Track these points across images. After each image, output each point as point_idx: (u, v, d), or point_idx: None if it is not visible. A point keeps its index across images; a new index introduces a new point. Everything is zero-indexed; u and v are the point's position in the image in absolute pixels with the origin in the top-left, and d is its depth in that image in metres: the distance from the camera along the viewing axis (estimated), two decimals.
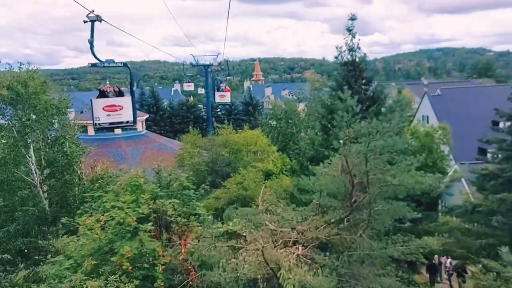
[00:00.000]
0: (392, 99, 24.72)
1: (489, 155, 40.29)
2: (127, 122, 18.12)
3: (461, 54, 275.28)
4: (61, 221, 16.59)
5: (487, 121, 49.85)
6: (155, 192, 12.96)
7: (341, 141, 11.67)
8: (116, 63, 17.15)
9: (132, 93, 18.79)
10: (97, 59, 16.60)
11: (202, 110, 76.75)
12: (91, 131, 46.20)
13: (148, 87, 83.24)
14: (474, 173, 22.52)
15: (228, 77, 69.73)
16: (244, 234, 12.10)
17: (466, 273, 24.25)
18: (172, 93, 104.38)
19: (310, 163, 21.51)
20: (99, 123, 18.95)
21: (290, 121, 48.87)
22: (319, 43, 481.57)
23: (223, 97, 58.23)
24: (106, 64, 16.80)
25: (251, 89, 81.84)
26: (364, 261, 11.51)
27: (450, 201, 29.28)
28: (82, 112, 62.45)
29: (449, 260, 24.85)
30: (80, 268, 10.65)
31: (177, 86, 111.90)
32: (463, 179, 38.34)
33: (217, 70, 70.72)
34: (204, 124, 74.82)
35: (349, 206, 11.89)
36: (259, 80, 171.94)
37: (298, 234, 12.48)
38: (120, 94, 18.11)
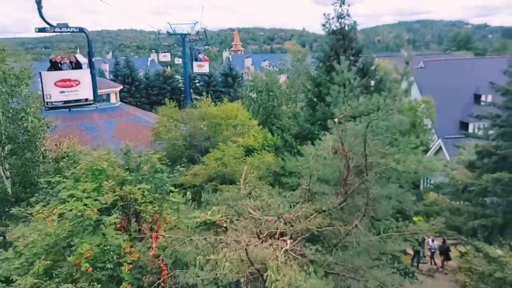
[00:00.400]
0: (383, 72, 23.20)
1: (472, 130, 39.63)
2: (86, 100, 14.00)
3: (439, 26, 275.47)
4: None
5: (469, 95, 49.28)
6: (122, 177, 11.26)
7: (335, 120, 10.14)
8: (70, 27, 14.68)
9: (91, 65, 15.54)
10: (46, 22, 14.41)
11: (180, 81, 74.14)
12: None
13: (123, 57, 79.68)
14: (463, 149, 21.48)
15: (206, 47, 66.89)
16: (224, 225, 10.60)
17: (449, 251, 23.62)
18: (148, 63, 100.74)
19: (295, 140, 20.05)
20: (51, 102, 16.04)
21: (271, 93, 47.13)
22: (300, 13, 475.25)
23: (202, 67, 56.16)
24: (57, 29, 14.59)
25: (231, 60, 79.31)
26: (359, 254, 10.18)
27: (434, 178, 28.35)
28: None
29: (431, 238, 24.12)
30: (32, 268, 9.03)
31: (153, 56, 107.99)
32: (446, 154, 37.67)
33: (195, 40, 67.77)
34: (182, 96, 72.33)
35: (343, 193, 10.46)
36: (239, 50, 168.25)
37: (286, 224, 11.05)
38: (77, 66, 15.35)
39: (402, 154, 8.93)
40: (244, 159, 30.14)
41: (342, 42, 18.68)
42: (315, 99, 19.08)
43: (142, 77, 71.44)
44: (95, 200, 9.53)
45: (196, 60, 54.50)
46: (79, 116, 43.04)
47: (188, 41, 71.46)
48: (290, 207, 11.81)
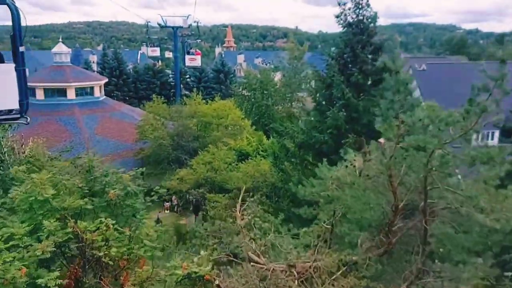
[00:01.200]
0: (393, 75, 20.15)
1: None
2: (8, 112, 7.38)
3: (431, 30, 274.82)
4: None
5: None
6: (79, 206, 8.08)
7: (381, 140, 7.11)
8: None
9: (17, 55, 7.51)
10: None
11: (170, 76, 70.63)
12: (40, 94, 40.05)
13: (112, 49, 75.74)
14: None
15: (198, 41, 63.64)
16: (216, 282, 7.49)
17: None
18: (138, 56, 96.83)
19: (299, 149, 16.97)
20: None
21: (265, 92, 44.09)
22: (291, 11, 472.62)
23: (194, 61, 53.65)
24: None
25: (223, 55, 75.93)
26: None
27: None
28: (36, 70, 55.45)
29: None
30: None
31: (144, 48, 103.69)
32: None
33: (187, 34, 64.62)
34: (172, 91, 68.83)
35: (385, 243, 7.41)
36: (231, 47, 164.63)
37: (300, 277, 7.97)
38: None
39: (488, 197, 5.92)
40: (237, 164, 27.05)
41: (359, 37, 15.66)
42: (324, 103, 16.04)
43: (130, 71, 67.78)
44: (27, 251, 6.36)
45: (188, 53, 52.37)
46: (59, 110, 39.58)
47: (180, 35, 68.17)
48: (305, 250, 8.76)
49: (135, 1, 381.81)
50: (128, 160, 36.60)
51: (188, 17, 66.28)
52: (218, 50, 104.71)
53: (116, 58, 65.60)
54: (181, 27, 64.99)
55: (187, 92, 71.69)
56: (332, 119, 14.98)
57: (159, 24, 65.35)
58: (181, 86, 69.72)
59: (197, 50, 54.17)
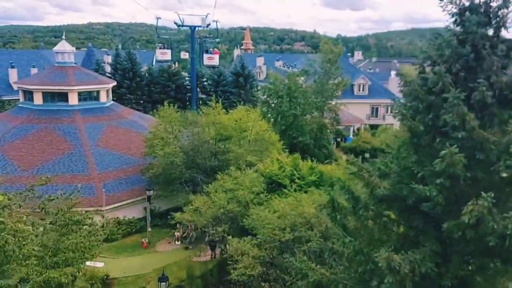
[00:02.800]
0: None
1: None
2: None
3: None
4: None
5: None
6: None
7: None
8: None
9: None
10: None
11: (186, 78, 64.92)
12: (38, 99, 34.56)
13: (125, 49, 70.21)
14: None
15: (217, 40, 58.32)
16: None
17: None
18: (154, 58, 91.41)
19: (380, 204, 10.90)
20: None
21: (293, 99, 37.94)
22: (310, 15, 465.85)
23: (212, 60, 48.56)
24: None
25: (242, 58, 69.93)
26: None
27: None
28: (43, 69, 50.18)
29: None
30: None
31: None
32: None
33: (205, 36, 59.18)
34: (188, 95, 63.13)
35: None
36: (249, 49, 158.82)
37: None
38: None
39: None
40: (267, 195, 20.94)
41: (483, 30, 9.58)
42: (424, 133, 9.91)
43: (144, 73, 62.18)
44: None
45: (206, 52, 48.98)
46: (59, 117, 34.00)
47: (198, 37, 63.40)
48: None
49: (153, 2, 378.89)
50: (134, 178, 30.90)
51: (206, 16, 60.66)
52: (236, 52, 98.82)
53: (130, 58, 60.07)
54: (199, 27, 59.45)
55: (203, 96, 65.98)
56: (444, 163, 8.79)
57: (175, 23, 59.88)
58: (198, 89, 64.01)
59: (216, 49, 50.67)
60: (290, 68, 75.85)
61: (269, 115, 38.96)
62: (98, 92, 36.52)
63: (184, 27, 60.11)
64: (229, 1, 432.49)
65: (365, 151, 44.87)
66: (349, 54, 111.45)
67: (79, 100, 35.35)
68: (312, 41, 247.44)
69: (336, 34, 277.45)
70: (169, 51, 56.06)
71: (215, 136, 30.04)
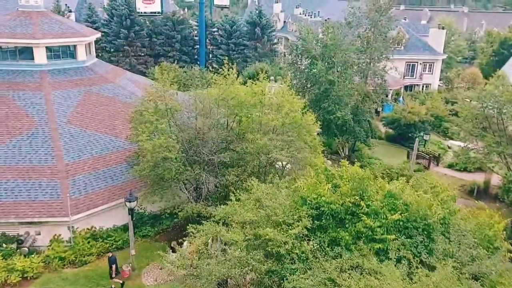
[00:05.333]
0: None
1: None
2: None
3: None
4: None
5: None
6: None
7: None
8: None
9: None
10: None
11: (194, 28, 54.22)
12: None
13: None
14: None
15: None
16: None
17: None
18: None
19: None
20: None
21: (330, 61, 27.83)
22: None
23: None
24: None
25: (259, 3, 58.38)
26: None
27: None
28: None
29: None
30: None
31: None
32: None
33: None
34: (195, 47, 52.74)
35: None
36: None
37: None
38: None
39: None
40: (308, 239, 11.82)
41: None
42: None
43: (144, 20, 51.49)
44: None
45: None
46: (19, 81, 24.67)
47: None
48: None
49: None
50: (116, 171, 21.95)
51: None
52: None
53: (128, 2, 49.21)
54: None
55: (213, 49, 55.57)
56: None
57: None
58: (207, 41, 53.50)
59: None
60: (313, 16, 64.28)
61: (296, 81, 29.13)
62: (75, 47, 26.80)
63: None
64: None
65: (413, 125, 35.22)
66: None
67: (49, 57, 25.79)
68: None
69: None
70: None
71: (228, 115, 20.64)
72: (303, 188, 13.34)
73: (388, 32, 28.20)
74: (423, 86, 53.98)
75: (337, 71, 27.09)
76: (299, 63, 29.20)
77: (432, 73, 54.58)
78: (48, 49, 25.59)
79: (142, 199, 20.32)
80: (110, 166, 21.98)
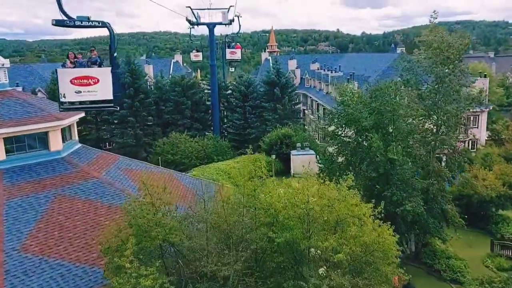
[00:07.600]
0: None
1: None
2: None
3: (482, 27, 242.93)
4: None
5: None
6: None
7: None
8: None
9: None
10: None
11: (206, 93, 47.73)
12: None
13: (121, 58, 53.29)
14: None
15: (240, 33, 44.94)
16: None
17: None
18: (171, 66, 74.76)
19: None
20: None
21: (388, 134, 19.95)
22: (330, 14, 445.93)
23: (234, 54, 42.44)
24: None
25: (276, 61, 52.15)
26: None
27: None
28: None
29: None
30: None
31: (178, 57, 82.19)
32: None
33: (228, 42, 43.04)
34: (208, 114, 46.00)
35: None
36: (274, 52, 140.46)
37: None
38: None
39: None
40: None
41: None
42: None
43: (150, 87, 45.18)
44: None
45: (228, 46, 42.91)
46: None
47: (221, 43, 51.32)
48: None
49: (175, 12, 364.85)
50: None
51: (228, 9, 43.51)
52: (264, 55, 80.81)
53: (131, 70, 43.16)
54: (220, 23, 42.39)
55: (228, 113, 48.80)
56: None
57: (188, 21, 43.01)
58: (221, 105, 46.76)
59: (238, 43, 44.72)
60: (333, 71, 57.64)
61: (341, 157, 21.21)
62: (46, 134, 19.56)
63: (200, 25, 43.40)
64: (250, 5, 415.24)
65: (489, 202, 26.54)
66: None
67: (9, 151, 18.51)
68: (337, 40, 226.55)
69: (361, 32, 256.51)
70: (200, 53, 51.44)
71: (255, 229, 12.56)
72: None
73: (461, 89, 20.45)
74: (470, 143, 45.53)
75: (400, 146, 19.06)
76: (342, 134, 21.38)
77: (477, 127, 46.46)
78: (6, 140, 18.36)
79: None
80: None
